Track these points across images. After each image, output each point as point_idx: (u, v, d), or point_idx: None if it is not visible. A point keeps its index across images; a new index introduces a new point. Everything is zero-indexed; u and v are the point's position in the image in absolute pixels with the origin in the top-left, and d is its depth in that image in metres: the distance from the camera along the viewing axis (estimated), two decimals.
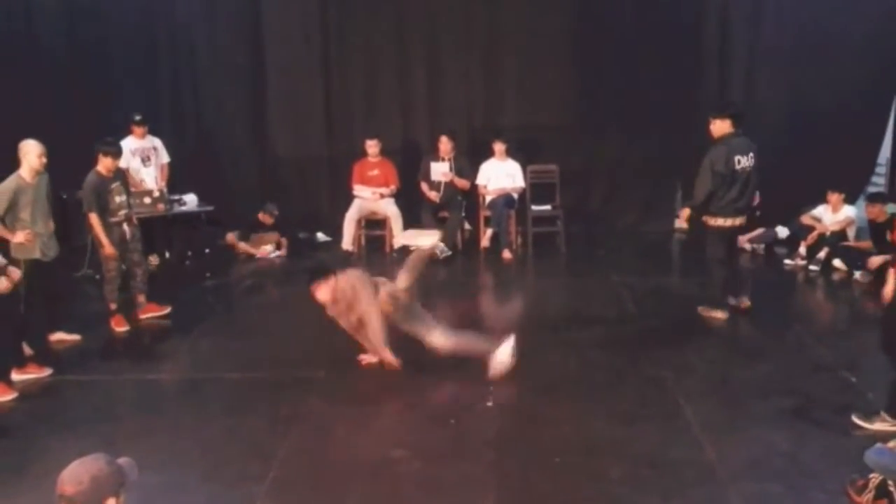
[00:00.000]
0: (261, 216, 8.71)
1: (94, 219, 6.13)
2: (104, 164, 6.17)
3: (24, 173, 5.51)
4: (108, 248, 6.16)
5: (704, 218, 6.27)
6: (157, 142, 8.18)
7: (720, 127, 6.13)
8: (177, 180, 8.36)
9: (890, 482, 3.52)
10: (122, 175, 6.50)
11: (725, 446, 4.25)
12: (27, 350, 5.53)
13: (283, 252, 8.68)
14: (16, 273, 5.12)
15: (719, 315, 6.31)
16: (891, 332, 4.52)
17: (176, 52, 9.47)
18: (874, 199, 7.82)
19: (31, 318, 5.50)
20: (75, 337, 6.00)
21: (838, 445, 4.25)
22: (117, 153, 6.30)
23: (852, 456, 3.81)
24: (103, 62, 8.97)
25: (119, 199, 6.25)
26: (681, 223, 6.34)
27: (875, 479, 3.58)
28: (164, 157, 8.24)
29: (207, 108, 9.61)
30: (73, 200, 7.81)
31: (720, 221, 6.18)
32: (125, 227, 6.31)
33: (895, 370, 4.44)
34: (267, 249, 8.64)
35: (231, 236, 8.80)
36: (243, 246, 8.64)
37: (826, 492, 3.78)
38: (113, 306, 6.35)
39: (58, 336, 5.93)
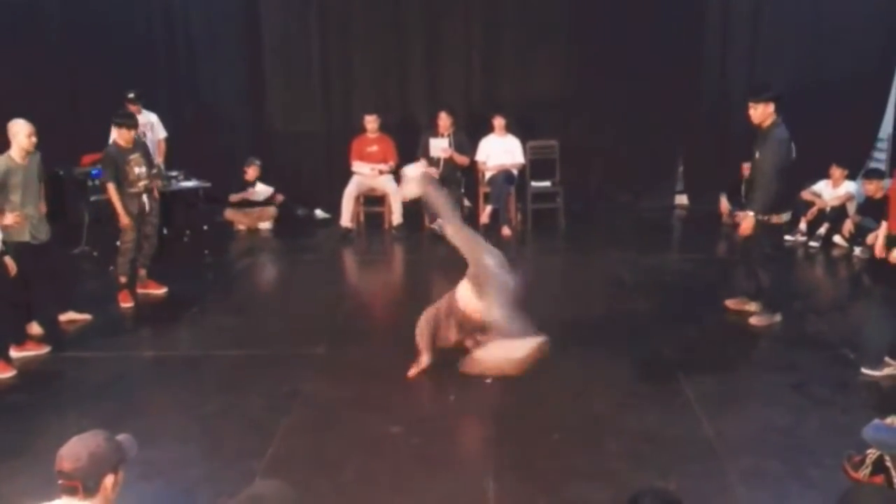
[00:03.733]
0: (248, 172, 8.84)
1: (111, 189, 6.17)
2: (121, 136, 6.22)
3: (14, 154, 5.40)
4: (124, 219, 6.19)
5: (766, 216, 5.54)
6: (154, 117, 8.11)
7: (764, 112, 5.45)
8: (173, 157, 8.31)
9: (887, 458, 3.52)
10: (142, 146, 6.52)
11: (723, 422, 4.26)
12: (38, 330, 5.55)
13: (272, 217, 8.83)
14: (12, 264, 5.11)
15: (777, 319, 5.75)
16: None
17: (172, 27, 9.39)
18: (871, 175, 7.81)
19: (25, 299, 5.48)
20: (86, 316, 5.97)
21: (836, 421, 4.26)
22: (132, 124, 6.32)
23: (850, 432, 3.81)
24: (99, 38, 8.89)
25: (138, 170, 6.26)
26: (745, 231, 5.53)
27: (872, 454, 3.58)
28: (161, 133, 8.17)
29: (204, 83, 9.54)
30: (70, 177, 7.80)
31: (775, 219, 5.61)
32: (144, 198, 6.33)
33: None
34: (265, 227, 8.72)
35: (230, 213, 8.81)
36: (242, 220, 8.72)
37: (823, 467, 3.79)
38: (123, 280, 6.37)
39: (68, 316, 5.91)
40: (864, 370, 4.85)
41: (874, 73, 9.05)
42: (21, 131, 5.39)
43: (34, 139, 5.44)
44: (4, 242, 5.20)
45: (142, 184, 6.30)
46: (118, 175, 6.17)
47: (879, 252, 4.90)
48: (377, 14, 9.37)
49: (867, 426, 3.59)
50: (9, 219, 5.31)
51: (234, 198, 8.83)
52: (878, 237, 4.96)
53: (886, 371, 4.77)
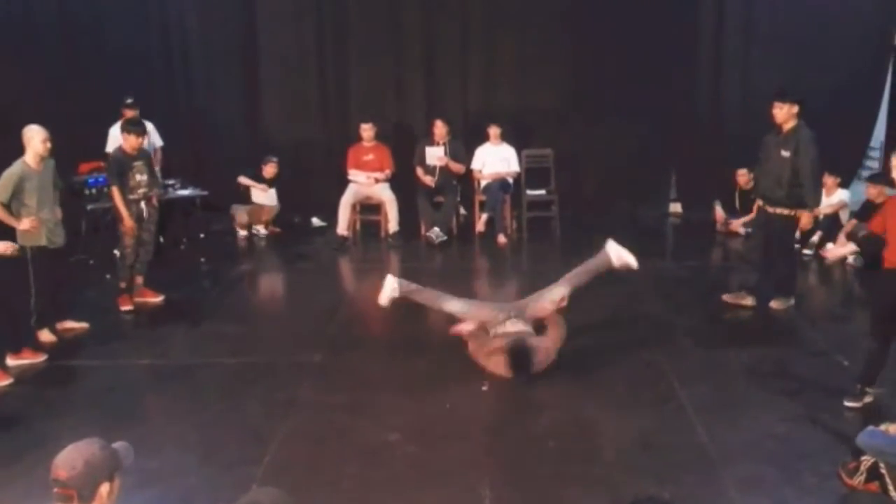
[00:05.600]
0: (265, 169, 8.84)
1: (115, 192, 6.26)
2: (128, 143, 6.31)
3: (29, 159, 5.47)
4: (127, 221, 6.26)
5: (792, 210, 5.98)
6: (150, 126, 8.10)
7: (789, 112, 5.88)
8: (169, 165, 8.32)
9: (881, 464, 3.54)
10: (147, 155, 6.60)
11: (719, 429, 4.28)
12: (50, 337, 5.62)
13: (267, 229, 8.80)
14: (10, 246, 5.16)
15: (791, 302, 6.20)
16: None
17: (169, 36, 9.40)
18: (875, 179, 7.82)
19: (42, 305, 5.53)
20: (83, 325, 5.99)
21: (831, 428, 4.28)
22: (140, 132, 6.41)
23: (845, 439, 3.83)
24: (96, 46, 8.91)
25: (140, 177, 6.34)
26: (806, 226, 6.10)
27: (867, 461, 3.60)
28: (158, 141, 8.18)
29: (201, 92, 9.56)
30: (66, 185, 7.78)
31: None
32: (143, 205, 6.40)
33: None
34: (260, 228, 8.75)
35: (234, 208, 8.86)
36: (243, 216, 8.77)
37: (818, 474, 3.81)
38: (122, 285, 6.43)
39: (66, 325, 5.92)
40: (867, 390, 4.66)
41: (866, 81, 9.11)
42: (36, 137, 5.47)
43: (49, 145, 5.52)
44: (22, 247, 5.28)
45: (141, 191, 6.36)
46: (121, 180, 6.24)
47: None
48: (374, 24, 9.39)
49: (862, 433, 3.62)
50: (25, 223, 5.38)
51: (242, 179, 8.81)
52: (840, 247, 5.02)
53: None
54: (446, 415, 4.55)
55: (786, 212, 5.97)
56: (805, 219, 5.98)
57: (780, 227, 6.06)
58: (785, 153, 5.88)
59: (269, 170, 8.87)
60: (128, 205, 6.26)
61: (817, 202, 6.12)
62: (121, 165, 6.27)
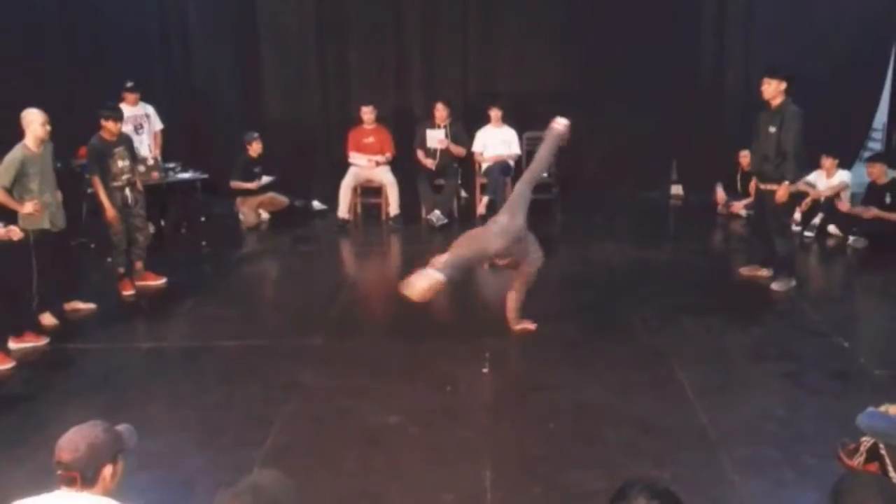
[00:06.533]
0: (250, 148, 8.59)
1: (96, 182, 6.19)
2: (106, 129, 6.22)
3: (30, 143, 5.45)
4: (109, 212, 6.21)
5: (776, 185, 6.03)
6: (150, 109, 8.11)
7: (777, 89, 5.91)
8: (169, 148, 8.31)
9: (881, 445, 3.55)
10: (127, 140, 6.50)
11: (718, 411, 4.29)
12: (51, 320, 5.62)
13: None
14: (16, 232, 5.17)
15: (793, 283, 6.20)
16: None
17: (167, 18, 9.37)
18: (875, 159, 7.79)
19: (46, 287, 5.55)
20: (90, 305, 6.03)
21: (830, 410, 4.28)
22: (118, 117, 6.32)
23: (844, 420, 3.84)
24: (95, 30, 8.86)
25: (122, 163, 6.27)
26: (782, 199, 5.96)
27: (866, 442, 3.61)
28: (158, 125, 8.17)
29: (200, 74, 9.53)
30: (67, 169, 7.79)
31: (802, 186, 6.20)
32: (127, 191, 6.34)
33: None
34: (262, 216, 8.69)
35: (239, 201, 8.75)
36: (242, 206, 8.63)
37: (818, 455, 3.82)
38: (121, 270, 6.41)
39: (73, 305, 5.96)
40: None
41: (869, 63, 9.06)
42: (35, 120, 5.44)
43: (48, 128, 5.50)
44: (24, 230, 5.28)
45: (124, 177, 6.30)
46: (102, 168, 6.17)
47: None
48: (374, 5, 9.35)
49: (862, 414, 3.62)
50: (28, 207, 5.37)
51: (234, 184, 8.61)
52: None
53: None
54: (447, 397, 4.57)
55: (774, 187, 6.02)
56: (781, 191, 5.96)
57: (772, 204, 6.09)
58: (772, 129, 5.95)
59: (255, 147, 8.61)
60: (110, 193, 6.20)
61: (797, 176, 6.14)
62: (100, 153, 6.17)
